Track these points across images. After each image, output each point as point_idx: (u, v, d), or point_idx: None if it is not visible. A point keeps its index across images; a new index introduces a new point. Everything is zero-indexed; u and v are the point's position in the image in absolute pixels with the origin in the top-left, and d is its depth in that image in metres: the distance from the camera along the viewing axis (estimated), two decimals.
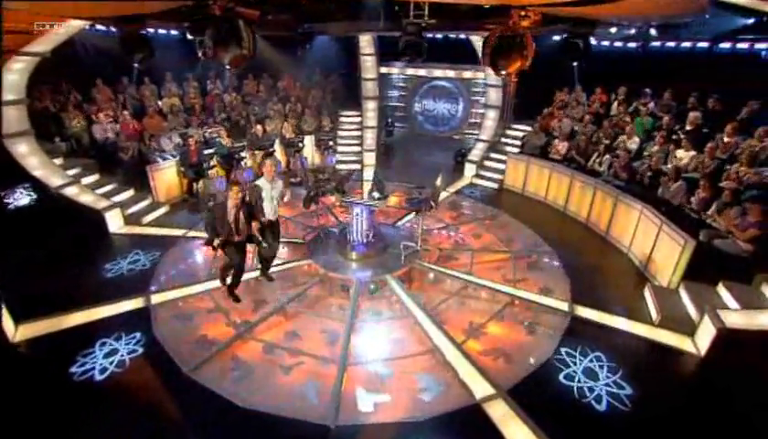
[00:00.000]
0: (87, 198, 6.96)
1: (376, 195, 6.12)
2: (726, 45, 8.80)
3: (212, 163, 7.69)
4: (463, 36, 10.35)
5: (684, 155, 6.77)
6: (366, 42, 9.88)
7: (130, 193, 7.55)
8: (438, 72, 11.71)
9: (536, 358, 4.36)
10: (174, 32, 9.12)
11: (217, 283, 5.47)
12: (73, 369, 4.09)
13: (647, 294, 5.34)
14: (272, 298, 5.42)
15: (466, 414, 3.66)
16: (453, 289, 5.61)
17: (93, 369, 4.11)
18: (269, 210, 5.23)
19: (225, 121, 9.16)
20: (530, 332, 4.79)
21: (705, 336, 4.40)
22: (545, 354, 4.41)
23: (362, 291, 5.45)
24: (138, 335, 4.55)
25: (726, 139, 6.74)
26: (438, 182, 6.08)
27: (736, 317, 4.24)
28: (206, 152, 7.99)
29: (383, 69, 11.52)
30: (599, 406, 3.80)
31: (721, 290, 4.95)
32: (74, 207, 6.83)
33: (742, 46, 8.65)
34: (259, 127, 8.92)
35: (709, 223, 5.53)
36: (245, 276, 5.65)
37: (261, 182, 5.22)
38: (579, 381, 4.06)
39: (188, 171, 7.63)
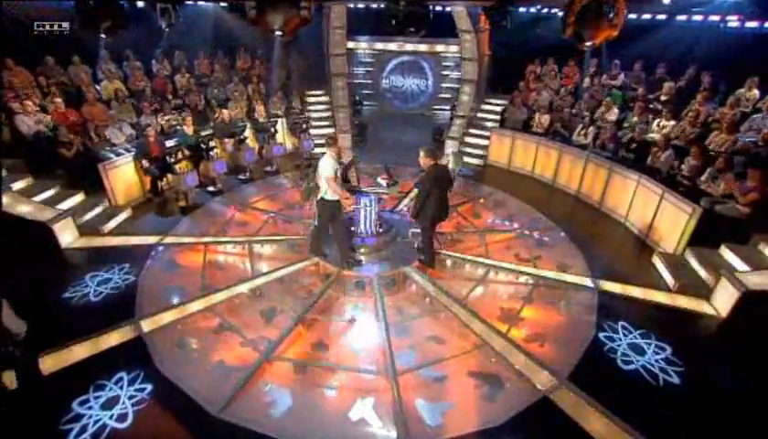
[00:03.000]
0: (24, 209, 5.65)
1: (384, 182, 5.65)
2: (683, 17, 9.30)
3: (179, 155, 6.59)
4: (437, 7, 9.88)
5: (667, 125, 7.06)
6: (336, 14, 9.04)
7: (79, 198, 6.27)
8: (409, 46, 11.17)
9: (581, 339, 4.31)
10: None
11: (219, 295, 4.77)
12: (64, 428, 3.27)
13: (657, 261, 5.54)
14: (281, 305, 4.83)
15: (538, 410, 3.49)
16: (473, 275, 5.41)
17: (89, 425, 3.31)
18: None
19: (184, 106, 7.94)
20: (563, 312, 4.74)
21: (723, 298, 4.64)
22: (588, 333, 4.37)
23: (383, 287, 5.04)
24: (139, 374, 3.76)
25: (699, 108, 7.12)
26: (451, 163, 5.74)
27: (756, 279, 4.48)
28: (168, 143, 6.85)
29: (350, 45, 10.75)
30: (656, 380, 3.83)
31: (725, 252, 5.25)
32: (7, 220, 5.49)
33: (698, 18, 9.19)
34: (225, 112, 7.88)
35: (703, 189, 5.82)
36: (243, 286, 4.98)
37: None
38: (629, 357, 4.07)
39: (151, 167, 6.49)
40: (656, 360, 4.04)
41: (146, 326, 4.31)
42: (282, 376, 3.86)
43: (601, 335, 4.35)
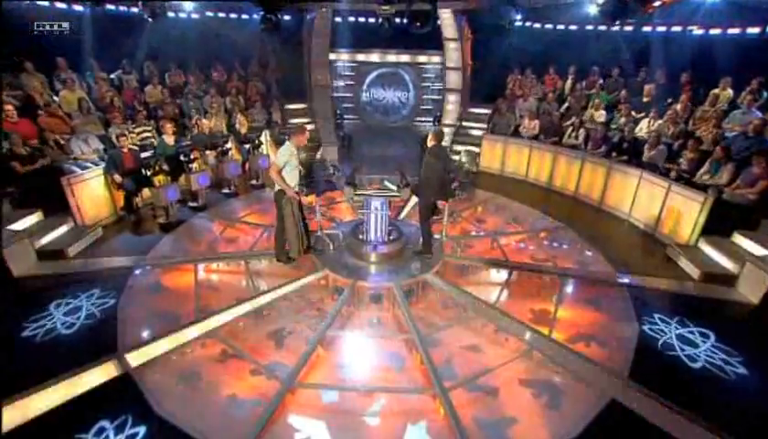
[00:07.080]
0: None
1: (393, 186, 5.27)
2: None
3: (156, 168, 5.86)
4: None
5: (654, 124, 7.26)
6: (319, 24, 8.78)
7: (36, 217, 5.35)
8: (390, 57, 11.06)
9: (627, 334, 4.03)
10: (77, 7, 7.04)
11: (218, 317, 4.09)
12: None
13: (674, 253, 5.47)
14: (291, 325, 4.23)
15: (611, 414, 3.11)
16: (496, 279, 5.07)
17: None
18: None
19: (159, 118, 7.23)
20: (598, 309, 4.47)
21: (751, 284, 4.58)
22: (632, 329, 4.11)
23: (404, 297, 4.56)
24: (130, 418, 3.02)
25: (679, 106, 7.41)
26: (465, 164, 5.46)
27: None
28: (143, 155, 6.10)
29: (330, 56, 10.50)
30: (717, 371, 3.59)
31: (739, 240, 5.25)
32: None
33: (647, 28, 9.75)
34: (205, 122, 7.27)
35: (704, 181, 5.89)
36: (245, 306, 4.33)
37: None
38: (684, 350, 3.83)
39: (125, 181, 5.72)
40: (711, 351, 3.82)
41: (134, 359, 3.56)
42: (311, 406, 3.26)
43: (646, 328, 4.10)
